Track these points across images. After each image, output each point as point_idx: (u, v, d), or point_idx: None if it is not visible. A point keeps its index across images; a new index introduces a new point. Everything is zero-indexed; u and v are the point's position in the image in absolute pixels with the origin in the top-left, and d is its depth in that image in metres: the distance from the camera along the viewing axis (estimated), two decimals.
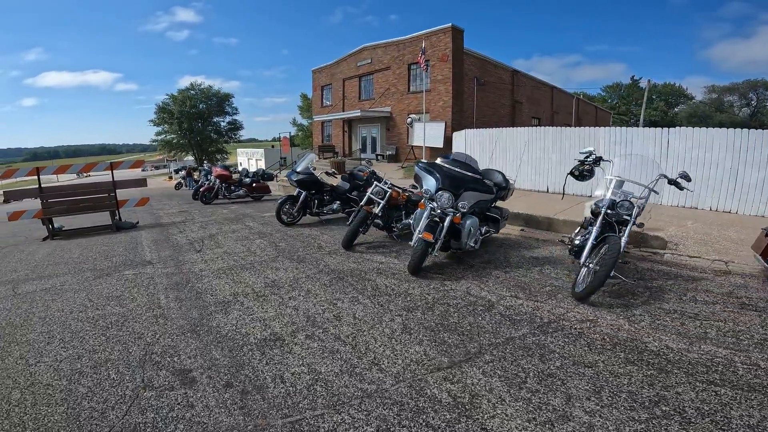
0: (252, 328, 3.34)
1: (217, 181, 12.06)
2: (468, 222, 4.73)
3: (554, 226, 7.06)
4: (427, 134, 17.02)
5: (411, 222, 5.33)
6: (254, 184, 12.68)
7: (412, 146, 17.93)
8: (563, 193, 5.38)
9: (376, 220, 6.09)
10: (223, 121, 45.58)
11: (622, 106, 72.86)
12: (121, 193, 8.34)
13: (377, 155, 21.03)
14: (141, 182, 8.28)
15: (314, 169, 8.25)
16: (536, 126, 17.01)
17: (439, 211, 4.69)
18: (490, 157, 10.73)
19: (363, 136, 23.84)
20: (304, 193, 7.75)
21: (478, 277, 4.59)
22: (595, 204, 4.35)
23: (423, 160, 4.92)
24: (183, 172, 24.66)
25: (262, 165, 44.71)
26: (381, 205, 6.00)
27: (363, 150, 23.45)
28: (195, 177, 23.55)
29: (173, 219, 9.27)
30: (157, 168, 71.97)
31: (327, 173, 8.67)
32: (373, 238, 6.42)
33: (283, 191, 15.08)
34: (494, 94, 21.78)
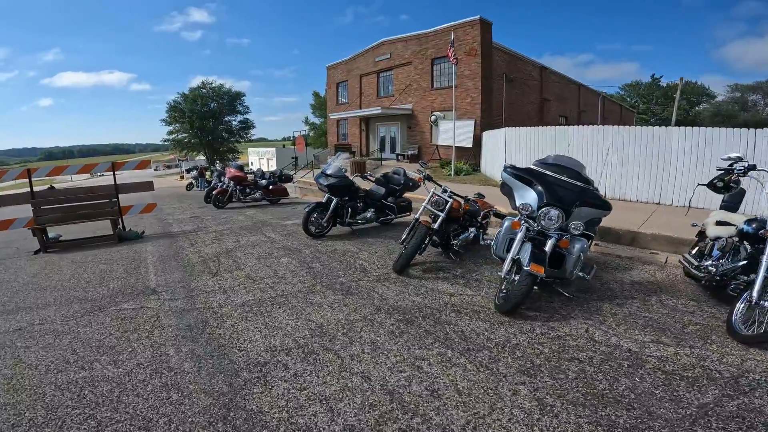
0: (313, 418, 2.19)
1: (231, 183, 10.99)
2: (577, 246, 3.54)
3: (639, 240, 5.82)
4: (454, 133, 15.81)
5: (489, 242, 4.16)
6: (271, 187, 11.59)
7: (437, 146, 16.73)
8: (688, 206, 4.14)
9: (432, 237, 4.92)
10: (235, 120, 44.78)
11: (642, 105, 70.93)
12: (125, 199, 7.29)
13: (398, 155, 19.84)
14: (147, 185, 7.21)
15: (346, 170, 7.10)
16: (570, 125, 15.66)
17: (535, 229, 3.53)
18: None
19: (381, 135, 22.68)
20: (335, 200, 6.61)
21: (589, 314, 3.44)
22: (759, 224, 3.15)
23: (512, 165, 3.68)
24: (195, 172, 23.76)
25: (273, 165, 43.86)
26: (441, 218, 4.81)
27: (381, 150, 22.29)
28: (207, 177, 22.66)
29: (183, 227, 8.19)
30: (169, 167, 73.39)
31: (362, 176, 7.53)
32: (424, 256, 5.25)
33: (299, 193, 13.99)
34: (522, 91, 20.45)
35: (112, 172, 7.17)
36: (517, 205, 3.66)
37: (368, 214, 7.00)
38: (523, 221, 3.58)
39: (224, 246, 6.32)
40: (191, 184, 22.20)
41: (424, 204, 4.98)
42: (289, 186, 12.80)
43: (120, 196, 7.06)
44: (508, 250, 3.67)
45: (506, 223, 3.89)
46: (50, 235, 7.02)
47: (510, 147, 10.66)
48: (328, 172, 6.69)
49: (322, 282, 4.48)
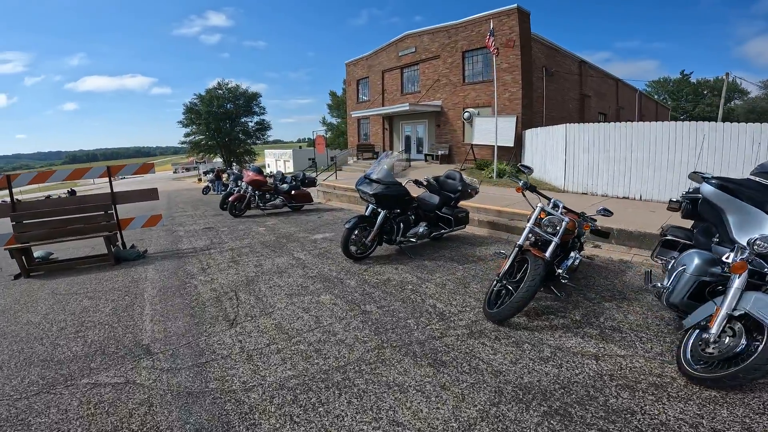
0: None
1: (249, 188, 9.71)
2: None
3: None
4: (497, 131, 14.28)
5: (662, 286, 2.71)
6: (293, 192, 10.28)
7: (472, 145, 15.23)
8: None
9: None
10: (251, 121, 43.97)
11: (671, 102, 68.11)
12: (125, 210, 6.03)
13: (426, 155, 18.35)
14: (150, 193, 5.94)
15: (394, 173, 5.67)
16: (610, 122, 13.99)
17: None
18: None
19: (407, 135, 21.24)
20: (382, 213, 5.20)
21: None
22: None
23: (717, 176, 2.06)
24: (211, 175, 22.77)
25: (290, 167, 42.87)
26: (554, 245, 3.35)
27: (407, 150, 20.83)
28: (224, 180, 21.62)
29: (195, 242, 6.90)
30: (187, 170, 76.15)
31: (417, 182, 6.12)
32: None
33: (322, 198, 12.65)
34: (562, 86, 18.74)
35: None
36: (736, 237, 2.20)
37: (420, 229, 5.57)
38: (750, 260, 2.13)
39: (243, 273, 4.97)
40: (207, 187, 21.19)
41: (528, 224, 3.51)
42: (311, 190, 11.49)
43: (121, 205, 5.80)
44: (692, 297, 2.43)
45: (696, 260, 2.44)
46: (38, 254, 5.82)
47: (574, 147, 9.07)
48: (374, 176, 5.29)
49: (390, 340, 3.06)
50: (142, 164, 5.95)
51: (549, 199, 3.62)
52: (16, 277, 5.29)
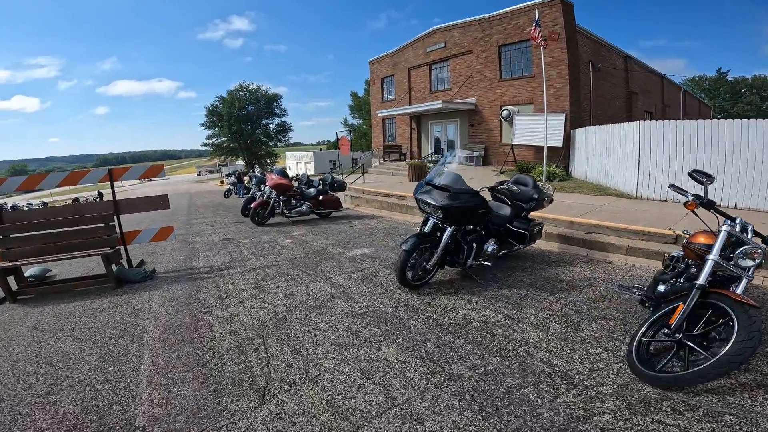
0: None
1: (273, 193, 8.71)
2: None
3: None
4: (535, 129, 13.02)
5: None
6: (321, 197, 9.25)
7: (512, 145, 13.93)
8: None
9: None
10: (272, 123, 43.59)
11: (708, 101, 64.94)
12: (131, 221, 5.07)
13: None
14: (160, 201, 4.96)
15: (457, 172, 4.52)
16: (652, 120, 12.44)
17: None
18: None
19: (436, 135, 20.05)
20: (449, 230, 4.07)
21: None
22: None
23: None
24: (233, 178, 22.11)
25: (311, 168, 42.26)
26: (745, 282, 2.15)
27: (436, 151, 19.64)
28: (245, 183, 20.93)
29: (212, 258, 5.91)
30: (211, 172, 79.61)
31: (493, 189, 4.99)
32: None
33: (350, 203, 11.58)
34: (608, 83, 17.21)
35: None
36: None
37: (490, 248, 4.41)
38: None
39: (271, 306, 3.91)
40: (229, 190, 20.50)
41: (712, 256, 2.28)
42: (339, 195, 10.44)
43: (133, 215, 4.86)
44: None
45: None
46: (31, 272, 4.92)
47: (651, 147, 7.70)
48: (441, 181, 4.17)
49: (510, 428, 1.92)
50: (149, 167, 4.99)
51: (733, 220, 2.40)
52: (1, 301, 4.39)
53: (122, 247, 4.92)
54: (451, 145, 18.63)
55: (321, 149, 68.22)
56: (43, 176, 4.63)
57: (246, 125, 40.69)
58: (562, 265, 4.88)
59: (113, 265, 4.73)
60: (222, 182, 40.89)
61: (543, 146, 13.45)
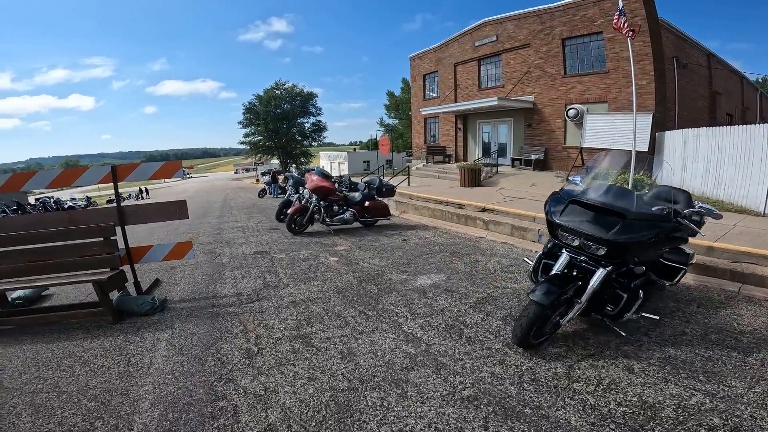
0: None
1: (314, 197, 7.49)
2: None
3: None
4: (617, 131, 11.22)
5: None
6: (367, 203, 7.96)
7: (581, 148, 12.16)
8: None
9: None
10: (307, 122, 43.05)
11: None
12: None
13: (513, 160, 15.42)
14: (175, 209, 3.78)
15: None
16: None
17: None
18: None
19: (485, 135, 18.40)
20: (601, 273, 2.63)
21: None
22: None
23: None
24: (267, 177, 21.39)
25: (345, 169, 41.37)
26: None
27: (485, 153, 17.99)
28: (280, 182, 20.12)
29: (240, 282, 4.71)
30: (247, 171, 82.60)
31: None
32: None
33: (396, 210, 10.23)
34: (691, 82, 15.03)
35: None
36: None
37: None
38: None
39: (324, 377, 2.60)
40: (263, 190, 19.73)
41: None
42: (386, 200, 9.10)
43: (124, 228, 3.72)
44: None
45: None
46: (19, 294, 3.89)
47: None
48: (608, 201, 2.74)
49: None
50: (162, 165, 3.82)
51: None
52: None
53: (130, 267, 3.79)
54: (503, 148, 16.92)
55: (355, 149, 67.57)
56: (28, 175, 3.57)
57: (281, 124, 40.33)
58: (721, 307, 3.45)
59: (117, 291, 3.61)
60: (257, 181, 40.78)
61: (619, 150, 11.64)
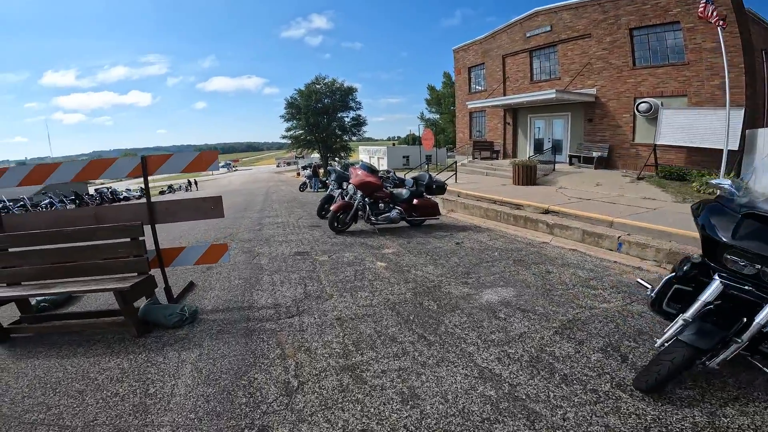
0: None
1: (359, 193, 6.93)
2: None
3: None
4: (700, 127, 9.90)
5: None
6: (415, 201, 7.29)
7: (655, 146, 10.83)
8: None
9: None
10: (347, 117, 42.86)
11: None
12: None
13: (570, 157, 14.17)
14: (210, 206, 3.31)
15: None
16: None
17: None
18: None
19: (537, 130, 17.16)
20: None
21: None
22: None
23: None
24: (308, 171, 21.23)
25: (384, 164, 40.86)
26: None
27: (537, 149, 16.77)
28: (320, 176, 19.90)
29: (279, 290, 4.21)
30: (288, 164, 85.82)
31: None
32: None
33: (442, 208, 9.45)
34: None
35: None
36: None
37: None
38: None
39: (380, 422, 1.99)
40: (304, 183, 19.57)
41: None
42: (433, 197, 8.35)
43: (154, 227, 3.29)
44: None
45: None
46: (43, 297, 3.57)
47: None
48: None
49: None
50: (197, 155, 3.32)
51: None
52: None
53: (160, 270, 3.37)
54: (558, 144, 15.65)
55: (394, 144, 66.92)
56: (52, 168, 3.15)
57: (322, 118, 40.39)
58: None
59: (146, 298, 3.19)
60: (297, 174, 41.17)
61: (699, 148, 10.27)
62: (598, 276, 4.41)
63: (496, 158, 18.03)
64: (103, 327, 3.06)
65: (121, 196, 29.66)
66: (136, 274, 3.16)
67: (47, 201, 20.36)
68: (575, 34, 15.31)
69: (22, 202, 18.54)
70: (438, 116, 45.57)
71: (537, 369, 2.48)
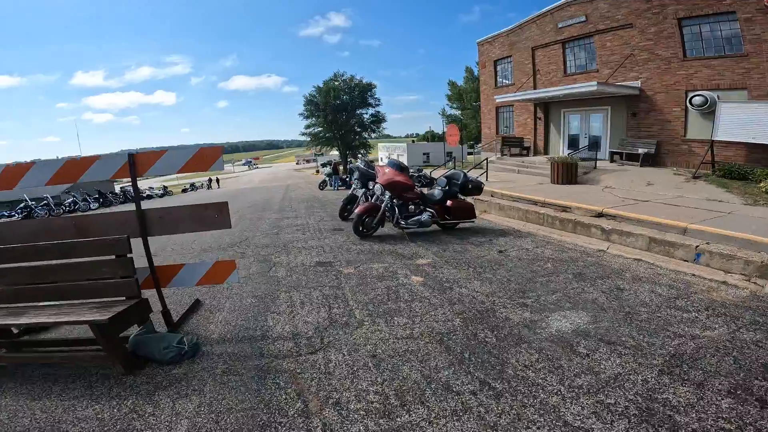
0: None
1: (387, 194, 6.22)
2: None
3: None
4: (756, 121, 8.87)
5: None
6: (448, 202, 6.56)
7: (712, 142, 9.73)
8: None
9: None
10: (366, 113, 42.17)
11: None
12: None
13: (611, 153, 13.10)
14: (213, 214, 2.67)
15: None
16: None
17: None
18: None
19: (572, 125, 16.09)
20: None
21: None
22: None
23: None
24: (328, 168, 20.68)
25: (404, 161, 40.08)
26: None
27: (571, 145, 15.72)
28: (340, 174, 19.31)
29: (298, 314, 3.54)
30: (307, 162, 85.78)
31: None
32: None
33: (491, 213, 8.67)
34: None
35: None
36: None
37: None
38: None
39: None
40: (324, 182, 19.01)
41: None
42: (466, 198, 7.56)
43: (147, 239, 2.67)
44: None
45: None
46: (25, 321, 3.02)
47: None
48: None
49: None
50: (197, 150, 2.67)
51: None
52: None
53: (157, 292, 2.76)
54: (596, 140, 14.57)
55: (413, 141, 65.99)
56: (25, 168, 2.61)
57: (340, 115, 39.83)
58: None
59: (138, 326, 2.60)
60: (317, 171, 40.77)
61: (761, 145, 9.19)
62: (682, 294, 3.63)
63: (527, 155, 17.05)
64: (86, 361, 2.47)
65: (144, 195, 29.06)
66: (125, 297, 2.55)
67: (70, 200, 20.36)
68: (614, 24, 14.28)
69: (45, 201, 18.54)
70: (459, 112, 44.42)
71: (654, 426, 1.78)
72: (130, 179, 2.63)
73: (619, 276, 4.21)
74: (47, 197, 18.78)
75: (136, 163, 2.64)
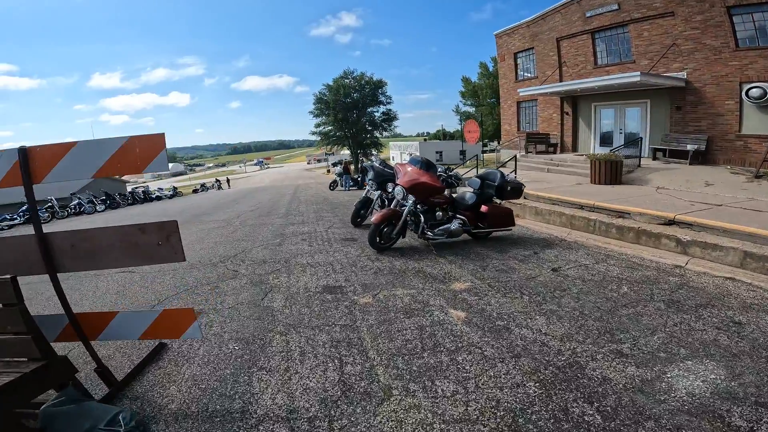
0: None
1: (411, 198, 5.17)
2: None
3: None
4: None
5: None
6: (483, 207, 5.50)
7: None
8: None
9: None
10: (377, 111, 41.15)
11: None
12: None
13: (653, 150, 11.84)
14: (157, 242, 1.70)
15: None
16: None
17: None
18: None
19: (605, 121, 14.84)
20: None
21: None
22: None
23: None
24: (339, 168, 19.72)
25: None
26: None
27: (604, 141, 14.48)
28: (352, 173, 18.37)
29: (297, 366, 2.55)
30: (318, 161, 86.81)
31: None
32: None
33: (525, 217, 7.60)
34: None
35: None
36: None
37: None
38: None
39: None
40: (334, 182, 18.08)
41: None
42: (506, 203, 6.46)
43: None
44: None
45: None
46: None
47: None
48: None
49: None
50: (126, 141, 1.63)
51: None
52: None
53: (84, 345, 1.81)
54: (633, 136, 13.32)
55: (425, 140, 64.73)
56: None
57: (351, 113, 38.90)
58: None
59: (55, 390, 1.64)
60: (328, 171, 39.99)
61: None
62: None
63: (554, 152, 15.87)
64: None
65: (153, 196, 27.97)
66: (26, 359, 1.60)
67: (76, 202, 19.65)
68: (652, 12, 13.09)
69: (49, 204, 17.85)
70: (474, 109, 43.12)
71: None
72: (23, 185, 1.66)
73: (723, 303, 3.16)
74: (51, 199, 18.07)
75: (30, 162, 1.66)
